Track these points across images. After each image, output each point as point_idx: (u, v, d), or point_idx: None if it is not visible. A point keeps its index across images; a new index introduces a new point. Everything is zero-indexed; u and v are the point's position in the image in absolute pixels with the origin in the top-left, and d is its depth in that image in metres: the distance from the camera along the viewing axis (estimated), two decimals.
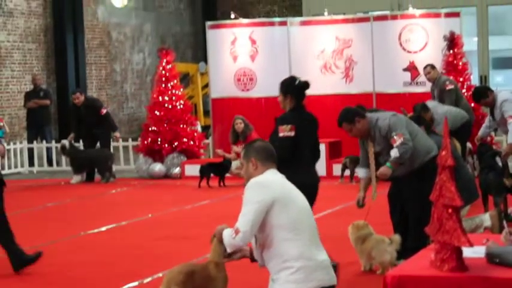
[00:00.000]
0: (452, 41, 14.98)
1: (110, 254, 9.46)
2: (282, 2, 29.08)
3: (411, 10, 16.60)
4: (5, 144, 13.72)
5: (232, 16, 17.52)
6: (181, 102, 16.82)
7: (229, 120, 15.40)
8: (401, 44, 16.03)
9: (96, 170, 16.31)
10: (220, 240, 5.40)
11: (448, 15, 15.93)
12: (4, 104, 21.16)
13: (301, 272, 5.12)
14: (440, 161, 4.85)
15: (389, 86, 16.14)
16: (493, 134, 13.59)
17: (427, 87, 14.65)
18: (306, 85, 7.47)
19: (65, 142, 16.47)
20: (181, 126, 16.61)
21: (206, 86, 21.71)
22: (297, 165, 7.12)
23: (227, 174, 14.88)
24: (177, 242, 10.02)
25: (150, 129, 16.63)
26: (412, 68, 15.95)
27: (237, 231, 5.18)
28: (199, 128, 18.38)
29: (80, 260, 9.12)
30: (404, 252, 7.43)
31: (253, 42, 17.02)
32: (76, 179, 16.24)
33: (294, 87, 7.45)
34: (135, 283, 7.99)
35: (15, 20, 21.83)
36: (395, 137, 7.79)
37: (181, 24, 29.21)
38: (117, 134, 16.78)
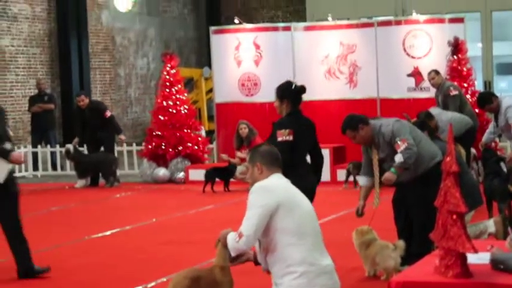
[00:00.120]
0: (457, 47, 14.95)
1: (114, 258, 9.47)
2: (286, 7, 29.11)
3: (415, 15, 16.58)
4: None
5: (236, 21, 17.51)
6: (186, 107, 16.82)
7: (233, 125, 15.40)
8: (405, 50, 16.00)
9: (100, 174, 16.33)
10: (225, 245, 5.41)
11: (452, 20, 15.90)
12: (8, 108, 21.14)
13: (304, 277, 5.13)
14: (445, 167, 4.85)
15: (394, 91, 16.11)
16: (497, 139, 13.58)
17: (431, 93, 14.62)
18: (302, 89, 7.47)
19: (70, 146, 16.48)
20: (185, 131, 16.61)
21: (210, 90, 21.71)
22: (294, 169, 7.10)
23: (232, 179, 14.89)
24: (181, 246, 10.01)
25: (154, 133, 16.63)
26: (416, 74, 15.92)
27: (240, 235, 5.19)
28: (203, 133, 18.40)
29: (84, 264, 9.13)
30: (409, 258, 7.41)
31: (257, 47, 17.02)
32: (80, 183, 16.25)
33: (290, 92, 7.46)
34: (139, 287, 8.00)
35: (20, 25, 21.89)
36: (399, 143, 7.78)
37: (186, 29, 29.23)
38: (122, 136, 16.71)
